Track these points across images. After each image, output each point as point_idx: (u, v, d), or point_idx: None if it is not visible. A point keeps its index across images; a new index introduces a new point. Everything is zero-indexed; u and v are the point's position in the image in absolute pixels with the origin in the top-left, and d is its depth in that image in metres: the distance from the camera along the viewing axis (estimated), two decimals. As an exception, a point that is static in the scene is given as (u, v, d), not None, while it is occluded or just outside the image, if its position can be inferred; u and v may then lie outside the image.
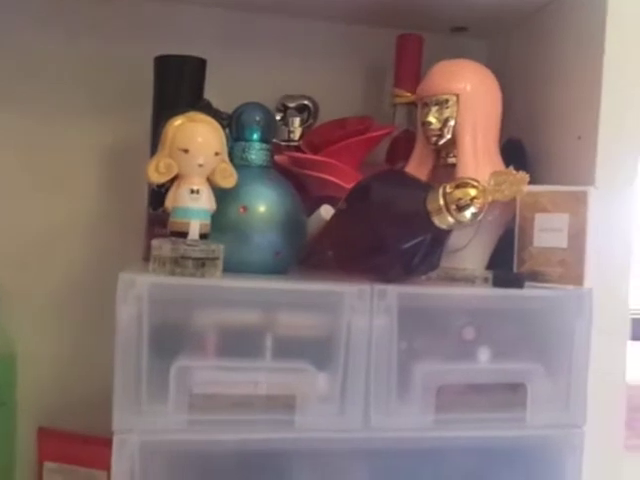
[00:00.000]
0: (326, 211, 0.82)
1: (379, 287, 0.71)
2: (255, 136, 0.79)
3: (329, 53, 1.04)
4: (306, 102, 0.97)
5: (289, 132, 0.97)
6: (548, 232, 0.77)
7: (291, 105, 0.98)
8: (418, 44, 0.97)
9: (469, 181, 0.69)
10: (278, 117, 0.97)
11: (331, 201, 0.83)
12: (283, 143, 0.96)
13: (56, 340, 0.98)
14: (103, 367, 0.71)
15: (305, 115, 0.98)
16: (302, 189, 0.87)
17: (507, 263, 0.81)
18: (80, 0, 0.97)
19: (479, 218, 0.69)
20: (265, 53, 1.03)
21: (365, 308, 0.71)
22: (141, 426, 0.67)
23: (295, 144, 0.96)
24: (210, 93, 0.88)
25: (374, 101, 1.05)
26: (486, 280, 0.78)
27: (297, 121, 0.97)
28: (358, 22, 1.03)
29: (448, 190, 0.69)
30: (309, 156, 0.89)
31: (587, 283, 0.76)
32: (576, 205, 0.76)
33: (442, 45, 1.00)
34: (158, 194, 0.79)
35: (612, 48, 0.80)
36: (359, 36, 1.05)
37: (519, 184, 0.66)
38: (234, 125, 0.80)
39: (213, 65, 0.90)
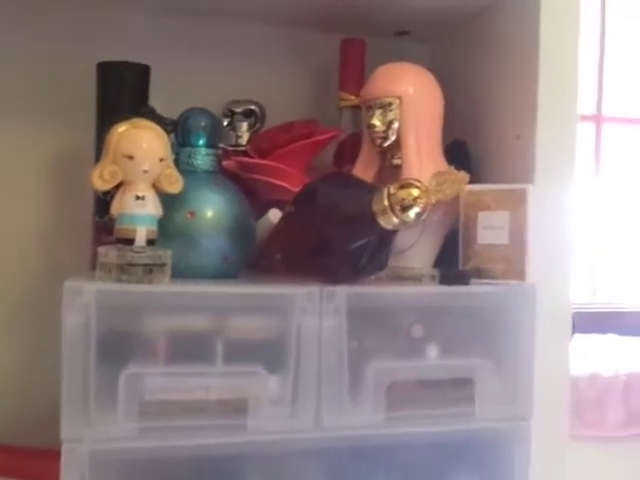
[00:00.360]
0: (274, 215, 0.83)
1: (328, 288, 0.72)
2: (201, 141, 0.79)
3: (275, 57, 1.05)
4: (253, 107, 0.98)
5: (237, 137, 0.97)
6: (491, 230, 0.79)
7: (238, 110, 0.98)
8: (361, 48, 0.98)
9: (412, 182, 0.70)
10: (225, 122, 0.97)
11: (279, 205, 0.84)
12: (231, 148, 0.96)
13: (3, 352, 0.96)
14: (52, 379, 0.70)
15: (252, 120, 0.98)
16: (250, 193, 0.87)
17: (453, 261, 0.83)
18: (23, 8, 0.96)
19: (423, 218, 0.70)
20: (211, 59, 1.03)
21: (315, 309, 0.72)
22: (90, 435, 0.66)
23: (243, 149, 0.96)
24: (156, 100, 0.88)
25: (320, 105, 1.06)
26: (433, 278, 0.80)
27: (244, 126, 0.98)
28: (303, 26, 1.04)
29: (392, 191, 0.70)
30: (256, 160, 0.89)
31: (529, 278, 0.78)
32: (516, 203, 0.78)
33: (385, 49, 1.02)
34: (104, 202, 0.79)
35: (547, 49, 0.82)
36: (304, 40, 1.06)
37: (460, 183, 0.68)
38: (180, 131, 0.80)
39: (159, 72, 0.89)
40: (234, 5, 0.98)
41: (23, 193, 0.97)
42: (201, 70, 1.02)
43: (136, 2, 0.96)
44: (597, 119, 2.35)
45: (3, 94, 0.96)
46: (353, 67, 0.98)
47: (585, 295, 2.22)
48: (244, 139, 0.97)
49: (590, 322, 2.10)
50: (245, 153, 0.95)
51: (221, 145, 0.92)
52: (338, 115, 1.00)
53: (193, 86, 0.99)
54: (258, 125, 0.98)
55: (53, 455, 0.68)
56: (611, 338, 2.07)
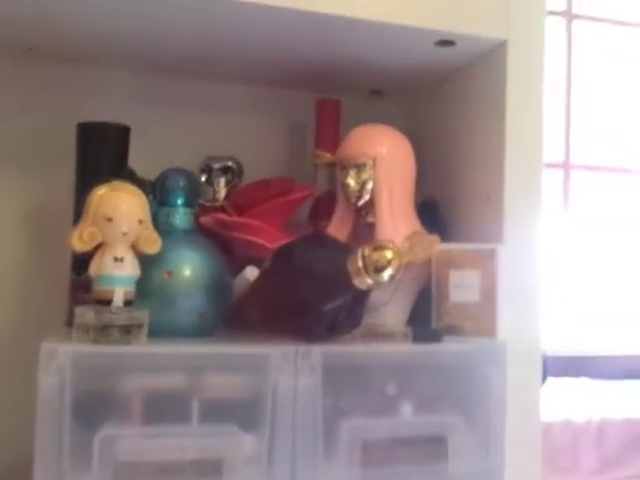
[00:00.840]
0: (251, 272, 0.84)
1: (303, 347, 0.73)
2: (179, 201, 0.81)
3: (252, 115, 1.07)
4: (230, 163, 1.00)
5: (214, 192, 0.99)
6: (462, 288, 0.81)
7: (216, 166, 1.00)
8: (336, 108, 1.01)
9: (385, 244, 0.72)
10: (203, 178, 0.99)
11: (256, 262, 0.85)
12: (208, 204, 0.97)
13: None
14: (27, 439, 0.70)
15: (230, 176, 1.00)
16: (228, 250, 0.88)
17: (426, 318, 0.85)
18: (5, 60, 0.97)
19: (396, 278, 0.73)
20: (189, 115, 1.05)
21: (290, 368, 0.73)
22: (64, 499, 0.66)
23: (220, 204, 0.98)
24: (135, 157, 0.89)
25: (297, 161, 1.08)
26: (405, 336, 0.81)
27: (222, 181, 0.99)
28: (279, 85, 1.07)
29: (366, 253, 0.72)
30: (234, 218, 0.91)
31: (500, 334, 0.80)
32: (486, 262, 0.80)
33: (360, 107, 1.05)
34: (81, 260, 0.79)
35: (513, 111, 0.86)
36: (281, 98, 1.08)
37: (430, 246, 0.71)
38: (158, 190, 0.81)
39: (137, 128, 0.91)
40: (212, 65, 1.01)
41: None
42: (180, 127, 1.04)
43: (117, 59, 0.98)
44: (565, 166, 2.43)
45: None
46: (328, 126, 1.01)
47: (556, 339, 2.27)
48: (222, 194, 0.99)
49: (562, 366, 2.13)
50: (222, 209, 0.96)
51: (199, 201, 0.93)
52: (314, 172, 1.02)
53: (172, 142, 1.01)
54: (235, 181, 1.00)
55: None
56: (583, 382, 2.10)
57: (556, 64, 2.26)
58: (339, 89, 1.05)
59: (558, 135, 2.29)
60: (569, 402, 1.82)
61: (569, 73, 2.37)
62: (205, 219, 0.92)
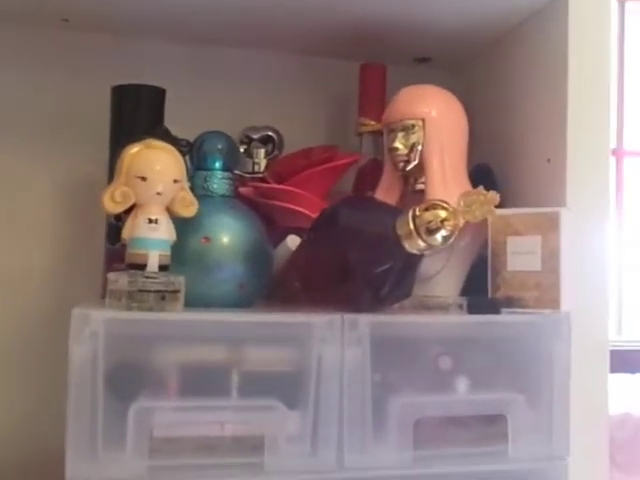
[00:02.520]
0: (293, 241, 0.79)
1: (350, 317, 0.68)
2: (217, 165, 0.76)
3: (293, 85, 1.03)
4: (270, 133, 0.95)
5: (254, 164, 0.95)
6: (521, 255, 0.75)
7: (255, 137, 0.95)
8: (381, 72, 0.96)
9: (439, 203, 0.66)
10: (242, 149, 0.95)
11: (298, 232, 0.81)
12: (248, 175, 0.93)
13: (15, 389, 0.92)
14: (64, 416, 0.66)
15: (269, 147, 0.96)
16: (268, 221, 0.84)
17: (481, 289, 0.79)
18: (36, 33, 0.95)
19: (451, 241, 0.67)
20: (228, 86, 1.02)
21: (336, 339, 0.68)
22: (97, 474, 0.62)
23: (260, 176, 0.93)
24: (172, 127, 0.85)
25: (340, 132, 1.03)
26: (461, 307, 0.75)
27: (262, 153, 0.95)
28: (321, 54, 1.03)
29: (417, 213, 0.66)
30: (274, 186, 0.86)
31: (564, 306, 0.74)
32: (548, 227, 0.74)
33: (406, 76, 0.99)
34: (116, 228, 0.76)
35: (575, 69, 0.79)
36: (322, 68, 1.04)
37: (489, 204, 0.64)
38: (195, 154, 0.77)
39: (175, 99, 0.87)
40: (252, 34, 0.97)
41: (35, 220, 0.95)
42: (218, 98, 1.00)
43: (154, 28, 0.95)
44: (618, 153, 2.32)
45: (15, 122, 0.95)
46: (373, 92, 0.95)
47: (612, 333, 2.16)
48: (261, 166, 0.95)
49: (619, 361, 2.03)
50: (263, 180, 0.92)
51: (238, 172, 0.89)
52: (358, 142, 0.97)
53: (210, 114, 0.97)
54: (276, 152, 0.96)
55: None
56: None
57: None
58: (383, 57, 0.99)
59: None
60: (627, 398, 1.72)
61: (621, 55, 2.27)
62: (244, 189, 0.88)
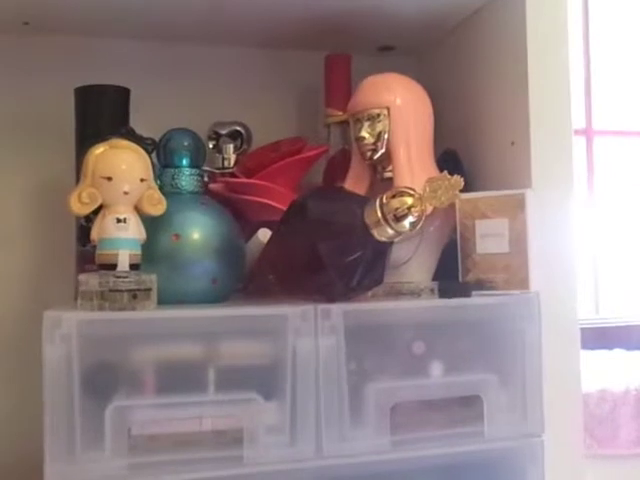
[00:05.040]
0: (264, 234, 0.80)
1: (323, 306, 0.69)
2: (185, 161, 0.76)
3: (259, 79, 1.03)
4: (238, 128, 0.95)
5: (223, 159, 0.95)
6: (489, 238, 0.76)
7: (223, 132, 0.95)
8: (346, 63, 0.97)
9: (405, 190, 0.67)
10: (211, 145, 0.95)
11: (270, 225, 0.81)
12: (217, 171, 0.93)
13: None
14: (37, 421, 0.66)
15: (238, 142, 0.95)
16: (240, 216, 0.84)
17: (453, 273, 0.80)
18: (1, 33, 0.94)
19: (419, 227, 0.67)
20: (193, 82, 1.01)
21: (310, 330, 0.69)
22: (77, 475, 0.62)
23: (230, 171, 0.93)
24: (138, 126, 0.84)
25: (308, 124, 1.03)
26: (432, 291, 0.76)
27: (231, 148, 0.95)
28: (286, 46, 1.03)
29: (385, 201, 0.67)
30: (243, 180, 0.86)
31: (533, 286, 0.75)
32: (515, 209, 0.75)
33: (371, 65, 0.99)
34: (86, 229, 0.75)
35: (535, 49, 0.80)
36: (288, 60, 1.04)
37: (454, 188, 0.65)
38: (162, 152, 0.77)
39: (139, 98, 0.87)
40: (217, 30, 0.97)
41: (6, 225, 0.94)
42: (185, 95, 1.00)
43: (117, 27, 0.94)
44: (588, 133, 2.35)
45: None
46: (339, 82, 0.96)
47: (588, 310, 2.19)
48: (231, 161, 0.94)
49: (595, 338, 2.06)
50: (232, 175, 0.92)
51: (207, 168, 0.89)
52: (326, 133, 0.98)
53: (176, 110, 0.96)
54: (244, 146, 0.95)
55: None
56: (618, 353, 2.03)
57: (573, 22, 2.18)
58: (347, 47, 0.99)
59: (579, 101, 2.22)
60: (604, 374, 1.75)
61: (587, 36, 2.30)
62: (214, 185, 0.88)
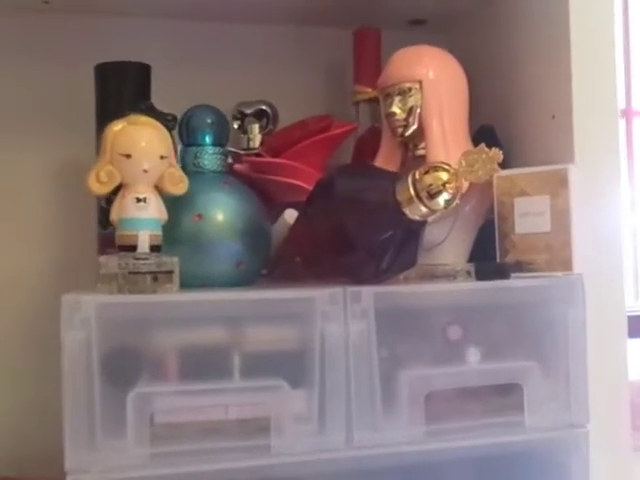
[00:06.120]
0: (290, 215, 0.77)
1: (352, 289, 0.65)
2: (207, 139, 0.74)
3: (286, 57, 1.00)
4: (264, 107, 0.92)
5: (248, 140, 0.92)
6: (529, 217, 0.71)
7: (248, 112, 0.92)
8: (376, 38, 0.93)
9: (439, 165, 0.63)
10: (236, 125, 0.92)
11: (297, 206, 0.77)
12: (242, 152, 0.90)
13: (15, 382, 0.90)
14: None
15: (264, 121, 0.92)
16: (265, 197, 0.81)
17: (490, 255, 0.75)
18: (17, 18, 0.92)
19: (454, 204, 0.63)
20: (219, 61, 0.98)
21: (339, 313, 0.65)
22: (97, 464, 0.60)
23: (255, 152, 0.90)
24: (161, 105, 0.82)
25: (336, 102, 1.00)
26: (469, 274, 0.72)
27: (256, 128, 0.92)
28: (313, 23, 0.99)
29: (417, 177, 0.63)
30: (269, 159, 0.83)
31: (577, 268, 0.70)
32: (556, 185, 0.70)
33: (401, 40, 0.95)
34: (106, 211, 0.73)
35: (578, 23, 0.75)
36: (315, 37, 1.00)
37: (492, 162, 0.61)
38: (184, 130, 0.74)
39: (163, 76, 0.85)
40: (241, 7, 0.93)
41: (27, 210, 0.92)
42: (209, 73, 0.97)
43: (137, 5, 0.92)
44: (627, 113, 2.26)
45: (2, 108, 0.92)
46: (368, 58, 0.92)
47: (629, 298, 2.12)
48: (256, 142, 0.91)
49: (637, 326, 1.99)
50: (258, 155, 0.89)
51: (232, 149, 0.86)
52: (355, 111, 0.94)
53: (201, 89, 0.93)
54: (270, 126, 0.92)
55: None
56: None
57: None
58: (377, 22, 0.95)
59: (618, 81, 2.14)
60: (646, 363, 1.69)
61: (626, 12, 2.21)
62: (238, 165, 0.85)
